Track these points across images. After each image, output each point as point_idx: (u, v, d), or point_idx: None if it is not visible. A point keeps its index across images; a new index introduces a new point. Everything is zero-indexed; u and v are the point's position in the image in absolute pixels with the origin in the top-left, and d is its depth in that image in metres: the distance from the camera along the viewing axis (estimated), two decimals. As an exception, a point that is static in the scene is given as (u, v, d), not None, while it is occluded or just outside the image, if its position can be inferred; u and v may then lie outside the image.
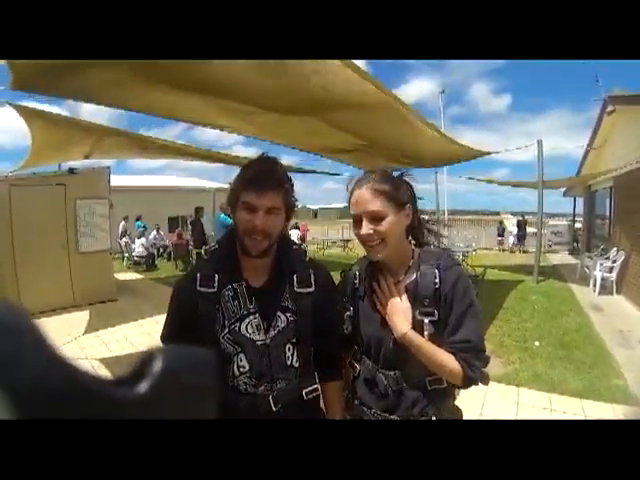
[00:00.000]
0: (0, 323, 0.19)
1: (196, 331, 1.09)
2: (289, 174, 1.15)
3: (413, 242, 1.22)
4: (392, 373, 1.15)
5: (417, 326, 1.11)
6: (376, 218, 1.09)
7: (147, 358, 0.22)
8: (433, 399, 1.13)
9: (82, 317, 5.75)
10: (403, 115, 3.52)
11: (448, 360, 1.06)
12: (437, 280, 1.11)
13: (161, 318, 1.19)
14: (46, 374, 0.19)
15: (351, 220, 1.16)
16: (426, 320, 1.10)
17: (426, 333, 1.09)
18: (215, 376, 0.24)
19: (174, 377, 0.22)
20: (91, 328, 5.28)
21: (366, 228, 1.09)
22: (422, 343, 1.08)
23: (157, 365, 0.22)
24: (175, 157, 6.03)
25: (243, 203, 1.07)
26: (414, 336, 1.09)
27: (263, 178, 1.06)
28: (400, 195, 1.12)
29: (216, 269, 1.12)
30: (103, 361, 4.10)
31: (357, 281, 1.24)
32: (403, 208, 1.13)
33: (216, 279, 1.11)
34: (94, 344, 4.69)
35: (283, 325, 1.12)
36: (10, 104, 3.37)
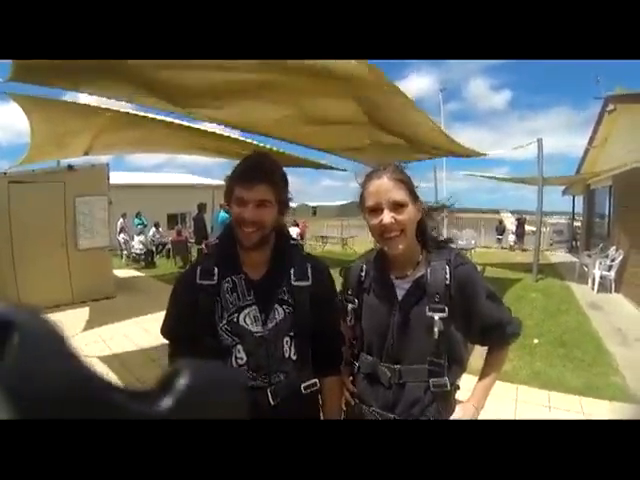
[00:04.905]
0: (29, 332, 0.18)
1: (196, 323, 1.10)
2: (284, 169, 1.17)
3: (420, 238, 1.21)
4: (395, 367, 1.14)
5: (427, 322, 1.10)
6: (398, 207, 1.08)
7: (172, 374, 0.22)
8: (434, 400, 1.13)
9: (81, 314, 5.74)
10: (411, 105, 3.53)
11: (498, 371, 1.22)
12: (447, 276, 1.10)
13: (160, 315, 1.20)
14: (68, 387, 0.18)
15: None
16: (436, 317, 1.09)
17: (436, 330, 1.08)
18: (242, 395, 0.24)
19: (199, 395, 0.22)
20: (90, 325, 5.28)
21: (388, 217, 1.07)
22: (485, 394, 1.20)
23: (182, 382, 0.21)
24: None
25: (236, 198, 1.09)
26: (480, 401, 1.18)
27: (252, 172, 1.09)
28: (414, 188, 1.13)
29: (216, 263, 1.14)
30: (102, 358, 4.10)
31: (363, 274, 1.23)
32: (418, 201, 1.13)
33: (216, 272, 1.13)
34: (93, 341, 4.69)
35: (281, 317, 1.13)
36: (8, 94, 3.32)
